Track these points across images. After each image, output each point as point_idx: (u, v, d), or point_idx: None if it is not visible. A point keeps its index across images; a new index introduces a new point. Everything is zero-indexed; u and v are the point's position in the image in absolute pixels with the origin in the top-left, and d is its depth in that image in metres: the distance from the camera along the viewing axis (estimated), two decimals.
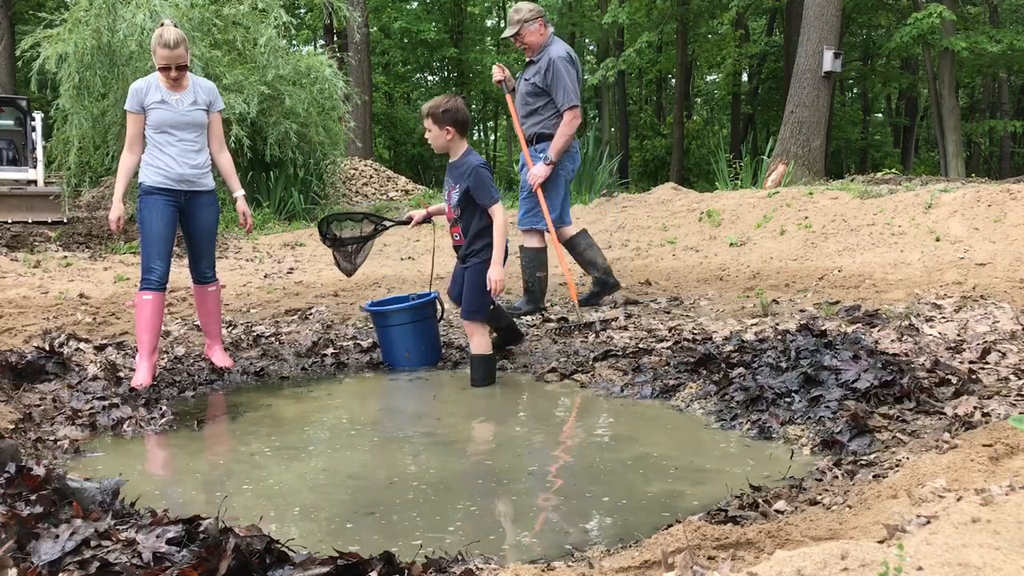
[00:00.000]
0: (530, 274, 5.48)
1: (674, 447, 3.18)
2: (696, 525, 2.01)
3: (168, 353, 4.70)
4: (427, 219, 4.53)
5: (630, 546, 2.16)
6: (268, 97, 10.72)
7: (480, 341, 4.21)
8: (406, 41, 26.76)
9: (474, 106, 34.29)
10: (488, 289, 4.11)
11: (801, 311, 5.33)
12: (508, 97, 5.44)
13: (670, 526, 2.21)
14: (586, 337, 4.97)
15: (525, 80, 5.27)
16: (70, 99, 10.06)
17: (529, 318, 5.60)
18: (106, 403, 3.64)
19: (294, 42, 20.04)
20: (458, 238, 4.29)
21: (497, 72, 5.39)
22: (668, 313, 5.61)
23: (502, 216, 4.16)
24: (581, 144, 13.10)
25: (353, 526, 2.46)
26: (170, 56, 4.13)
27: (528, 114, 5.28)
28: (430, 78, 33.05)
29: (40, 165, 11.12)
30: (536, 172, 5.30)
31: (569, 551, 2.19)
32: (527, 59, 5.27)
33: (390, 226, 4.82)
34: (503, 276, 4.13)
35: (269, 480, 2.91)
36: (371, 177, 15.91)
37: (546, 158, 5.23)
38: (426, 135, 4.23)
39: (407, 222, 4.59)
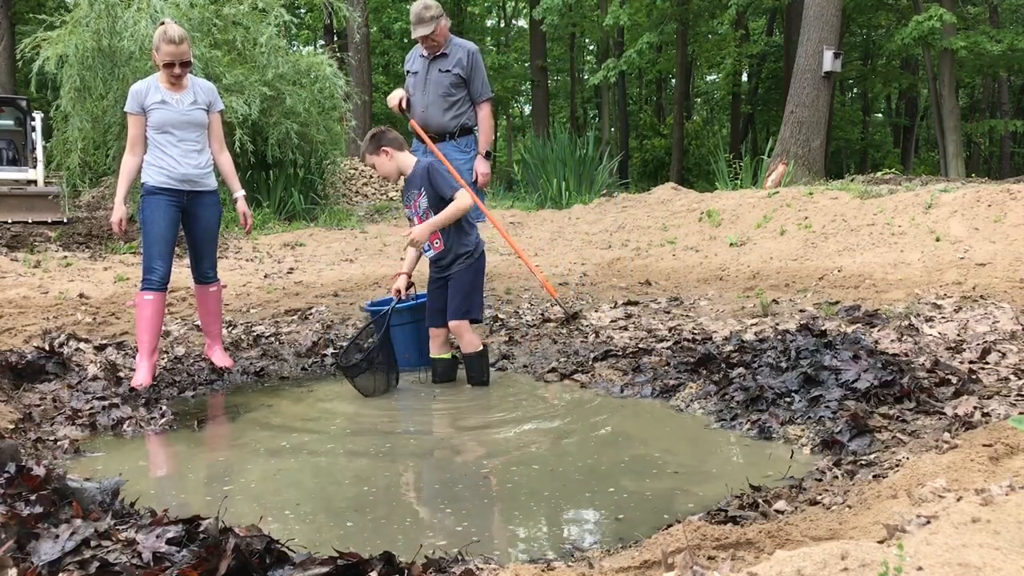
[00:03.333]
0: None
1: (674, 447, 3.18)
2: (696, 525, 2.01)
3: (168, 353, 4.70)
4: (411, 283, 4.38)
5: (630, 546, 2.15)
6: (269, 97, 10.71)
7: (471, 339, 4.22)
8: (406, 41, 26.76)
9: None
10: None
11: (801, 311, 5.34)
12: (412, 123, 5.17)
13: (670, 526, 2.21)
14: (585, 336, 4.97)
15: (444, 71, 5.06)
16: (70, 100, 10.06)
17: (529, 317, 5.60)
18: (106, 403, 3.65)
19: (294, 42, 20.04)
20: (437, 244, 4.19)
21: (397, 98, 5.18)
22: (668, 313, 5.61)
23: (466, 195, 4.16)
24: (582, 143, 13.13)
25: (353, 526, 2.45)
26: (175, 52, 4.13)
27: (449, 107, 5.10)
28: None
29: (40, 165, 11.12)
30: (485, 170, 5.19)
31: (569, 551, 2.19)
32: (429, 54, 5.06)
33: (388, 319, 4.33)
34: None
35: (269, 480, 2.91)
36: (371, 177, 15.90)
37: (488, 153, 5.18)
38: (378, 174, 4.23)
39: (400, 300, 4.36)
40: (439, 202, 4.12)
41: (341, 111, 12.32)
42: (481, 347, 4.26)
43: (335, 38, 21.59)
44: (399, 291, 4.35)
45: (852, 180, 11.44)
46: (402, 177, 4.27)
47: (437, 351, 4.35)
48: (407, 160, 4.22)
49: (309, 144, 11.59)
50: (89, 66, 9.81)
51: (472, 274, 4.22)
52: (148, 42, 9.27)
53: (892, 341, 4.15)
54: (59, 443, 3.22)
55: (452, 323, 4.21)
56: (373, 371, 4.17)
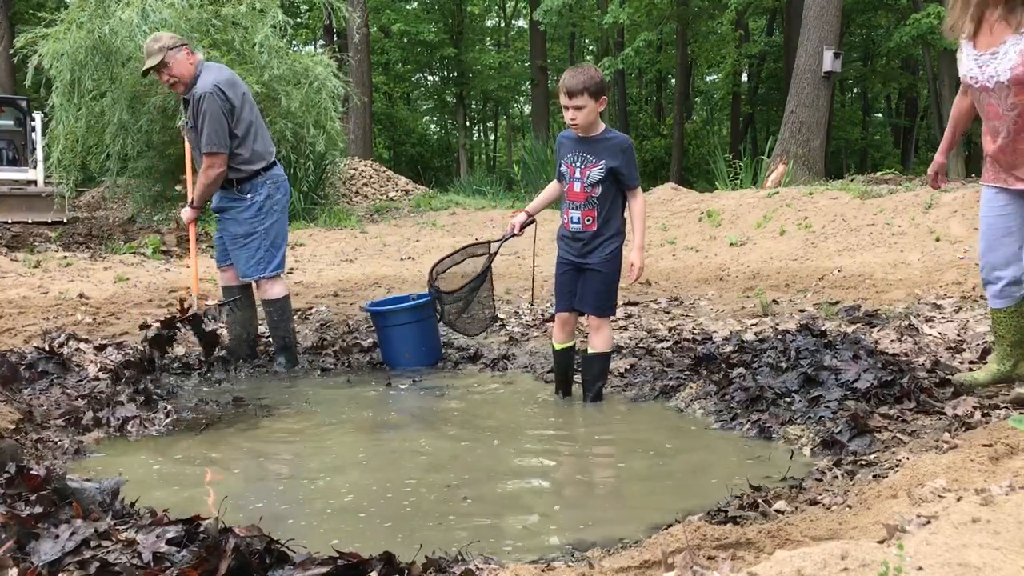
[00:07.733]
0: (285, 328, 4.62)
1: (674, 447, 3.18)
2: (696, 525, 2.01)
3: (168, 353, 4.69)
4: (531, 220, 4.04)
5: (630, 546, 2.15)
6: (266, 97, 10.69)
7: (609, 336, 3.87)
8: (405, 41, 26.78)
9: (473, 105, 34.31)
10: (631, 276, 3.79)
11: (801, 311, 5.34)
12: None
13: (670, 526, 2.21)
14: (586, 337, 4.97)
15: (187, 125, 4.42)
16: (58, 96, 10.02)
17: (529, 318, 5.60)
18: (109, 403, 3.64)
19: (294, 42, 20.02)
20: (589, 222, 3.72)
21: None
22: (668, 313, 5.61)
23: (643, 199, 3.85)
24: None
25: (353, 526, 2.45)
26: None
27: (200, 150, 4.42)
28: (430, 78, 33.07)
29: (40, 165, 11.13)
30: (183, 214, 4.72)
31: (569, 551, 2.19)
32: (181, 97, 4.38)
33: (497, 249, 4.26)
34: (643, 262, 3.83)
35: (269, 480, 2.91)
36: (371, 177, 15.92)
37: (190, 202, 4.53)
38: (575, 116, 3.58)
39: (513, 234, 4.03)
40: (611, 182, 3.69)
41: (339, 113, 12.30)
42: (612, 349, 3.96)
43: (335, 38, 21.59)
44: (515, 226, 3.97)
45: (852, 180, 11.45)
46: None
47: (565, 339, 3.91)
48: (599, 121, 3.71)
49: (307, 145, 11.58)
50: (81, 63, 9.77)
51: (618, 265, 3.79)
52: (140, 39, 9.24)
53: (892, 341, 4.15)
54: (59, 443, 3.22)
55: (595, 318, 3.79)
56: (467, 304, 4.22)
